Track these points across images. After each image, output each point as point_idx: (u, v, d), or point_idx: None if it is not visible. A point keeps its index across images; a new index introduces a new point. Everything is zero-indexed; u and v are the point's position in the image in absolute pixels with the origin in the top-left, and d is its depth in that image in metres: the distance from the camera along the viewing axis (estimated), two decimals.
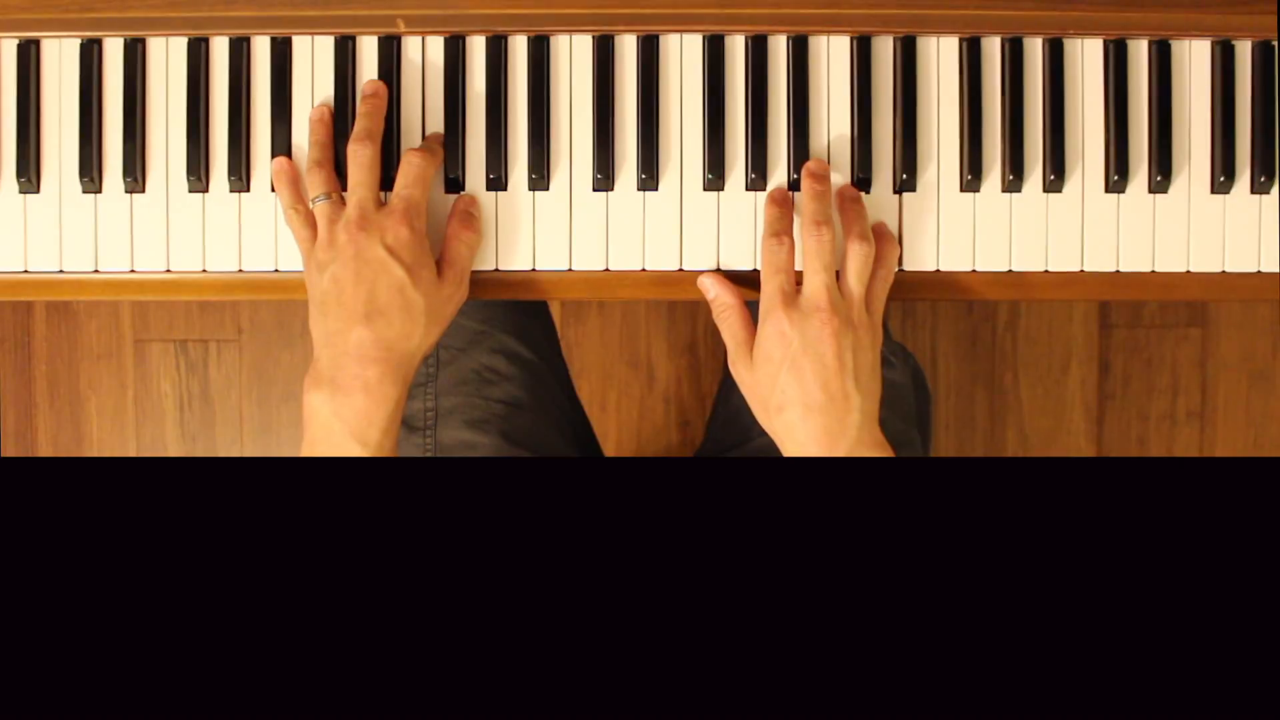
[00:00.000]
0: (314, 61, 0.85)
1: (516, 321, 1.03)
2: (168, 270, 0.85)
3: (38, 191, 0.85)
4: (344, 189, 0.83)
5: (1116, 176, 0.85)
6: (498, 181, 0.85)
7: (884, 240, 0.83)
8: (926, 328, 1.63)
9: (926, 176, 0.85)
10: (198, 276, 0.85)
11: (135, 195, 0.85)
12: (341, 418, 0.78)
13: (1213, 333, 1.63)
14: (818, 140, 0.85)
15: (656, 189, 0.85)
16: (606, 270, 0.85)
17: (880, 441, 0.81)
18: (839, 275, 0.81)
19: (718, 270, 0.85)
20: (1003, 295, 0.86)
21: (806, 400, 0.79)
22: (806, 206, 0.82)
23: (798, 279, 0.81)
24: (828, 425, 0.79)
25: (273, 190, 0.84)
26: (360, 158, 0.81)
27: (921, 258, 0.85)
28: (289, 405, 1.61)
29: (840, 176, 0.85)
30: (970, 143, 0.85)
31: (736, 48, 0.85)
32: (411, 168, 0.81)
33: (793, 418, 0.79)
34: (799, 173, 0.84)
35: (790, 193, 0.85)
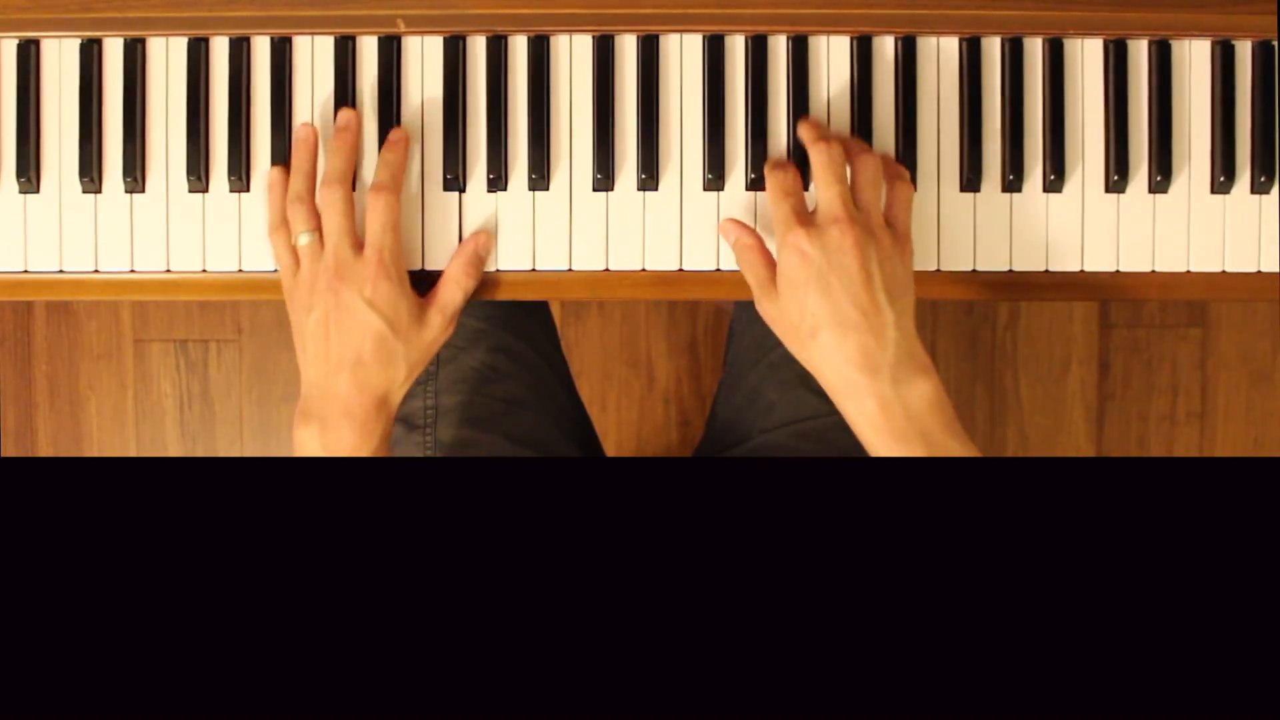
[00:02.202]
0: (314, 61, 0.85)
1: (517, 320, 1.03)
2: (168, 270, 0.85)
3: (38, 191, 0.85)
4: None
5: (1116, 176, 0.85)
6: (498, 181, 0.85)
7: (892, 162, 0.84)
8: (926, 328, 1.63)
9: (926, 176, 0.85)
10: (198, 276, 0.85)
11: (135, 195, 0.85)
12: (331, 452, 0.80)
13: (1213, 333, 1.63)
14: None
15: (656, 189, 0.85)
16: (606, 270, 0.85)
17: (924, 365, 0.77)
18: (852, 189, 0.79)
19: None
20: (1003, 295, 0.86)
21: (839, 318, 0.76)
22: (806, 133, 0.82)
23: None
24: (864, 343, 0.76)
25: None
26: (333, 203, 0.80)
27: (921, 258, 0.85)
28: (289, 405, 1.61)
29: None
30: (970, 143, 0.85)
31: (736, 48, 0.85)
32: (379, 214, 0.80)
33: (828, 340, 0.76)
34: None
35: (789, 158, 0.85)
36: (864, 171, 0.80)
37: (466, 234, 0.85)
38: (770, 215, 0.81)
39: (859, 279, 0.76)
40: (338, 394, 0.80)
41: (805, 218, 0.78)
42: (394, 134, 0.84)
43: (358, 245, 0.81)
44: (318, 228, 0.81)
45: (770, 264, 0.81)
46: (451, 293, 0.83)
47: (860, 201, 0.79)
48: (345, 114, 0.84)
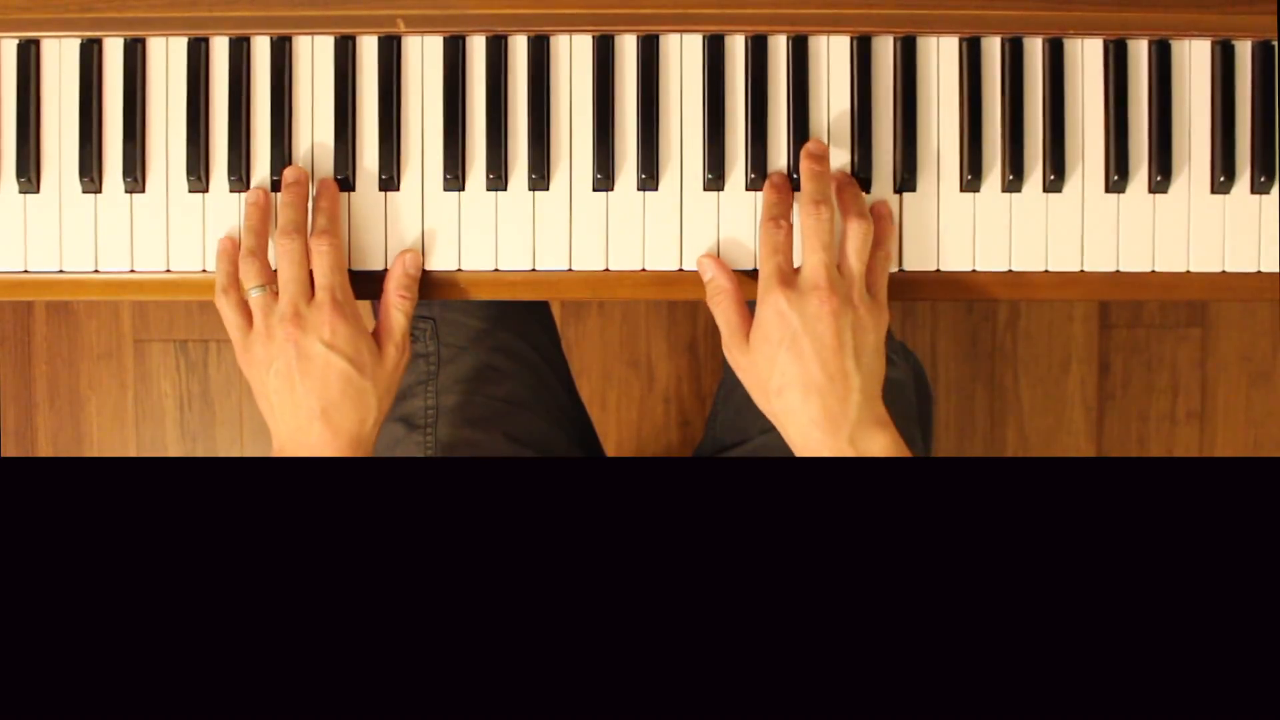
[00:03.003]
0: (314, 61, 0.85)
1: (517, 320, 1.03)
2: (168, 270, 0.85)
3: (38, 191, 0.85)
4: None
5: (1116, 176, 0.85)
6: (498, 181, 0.85)
7: (883, 221, 0.84)
8: (926, 328, 1.63)
9: (926, 176, 0.85)
10: (198, 276, 0.85)
11: (135, 195, 0.85)
12: None
13: (1213, 333, 1.63)
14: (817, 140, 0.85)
15: (656, 189, 0.85)
16: (606, 270, 0.85)
17: (883, 419, 0.80)
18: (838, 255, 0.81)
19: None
20: (1003, 295, 0.86)
21: (806, 380, 0.78)
22: (805, 186, 0.82)
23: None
24: (828, 406, 0.78)
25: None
26: (291, 253, 0.81)
27: (921, 258, 0.85)
28: None
29: (842, 152, 0.85)
30: (970, 143, 0.85)
31: (736, 48, 0.85)
32: (323, 258, 0.81)
33: (793, 399, 0.79)
34: (800, 173, 0.84)
35: (789, 179, 0.85)
36: (854, 239, 0.81)
37: (465, 233, 0.85)
38: (800, 185, 0.83)
39: (831, 346, 0.78)
40: (313, 445, 0.80)
41: (789, 278, 0.80)
42: (323, 183, 0.84)
43: (311, 294, 0.81)
44: (269, 281, 0.81)
45: (743, 311, 0.82)
46: (394, 319, 0.83)
47: (844, 269, 0.80)
48: (293, 171, 0.84)
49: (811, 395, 0.78)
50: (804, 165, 0.83)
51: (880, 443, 0.79)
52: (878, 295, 0.82)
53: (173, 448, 1.62)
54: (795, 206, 0.84)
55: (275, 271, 0.82)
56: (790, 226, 0.82)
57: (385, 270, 0.84)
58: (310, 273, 0.82)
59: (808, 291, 0.79)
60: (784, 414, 0.80)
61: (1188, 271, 0.86)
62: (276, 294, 0.81)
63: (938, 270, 0.86)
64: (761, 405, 0.82)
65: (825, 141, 0.85)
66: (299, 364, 0.80)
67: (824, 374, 0.78)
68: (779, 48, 0.85)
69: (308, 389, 0.80)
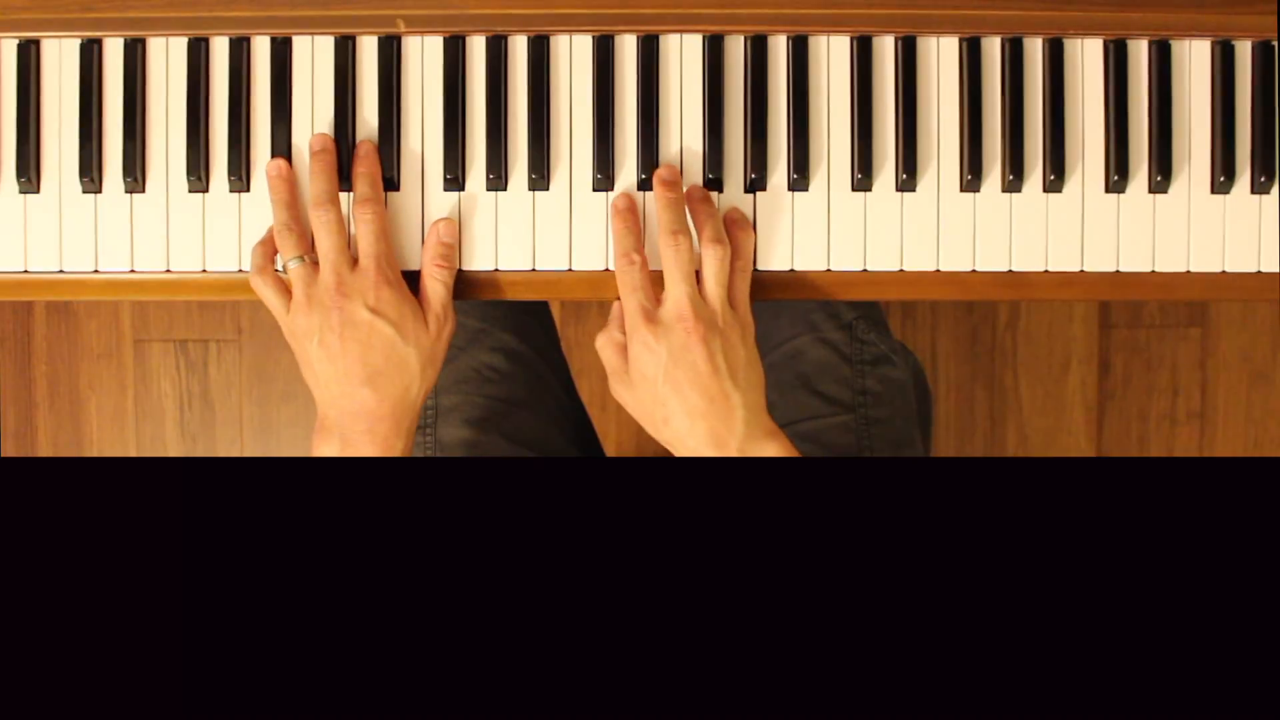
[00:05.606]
0: (314, 61, 0.85)
1: (517, 320, 1.03)
2: (168, 270, 0.85)
3: (38, 191, 0.85)
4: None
5: (1116, 176, 0.85)
6: (498, 181, 0.85)
7: (738, 231, 0.83)
8: (926, 328, 1.63)
9: (927, 176, 0.85)
10: (198, 276, 0.85)
11: (135, 195, 0.85)
12: None
13: (1213, 333, 1.63)
14: (817, 140, 0.85)
15: None
16: (606, 270, 0.85)
17: (771, 430, 0.81)
18: (698, 278, 0.81)
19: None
20: (1003, 295, 0.86)
21: (688, 408, 0.79)
22: (662, 216, 0.82)
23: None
24: (713, 428, 0.79)
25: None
26: (328, 223, 0.81)
27: (921, 258, 0.85)
28: (289, 405, 1.61)
29: (842, 151, 0.85)
30: (970, 143, 0.85)
31: (736, 48, 0.85)
32: (367, 226, 0.81)
33: (680, 427, 0.80)
34: (798, 173, 0.84)
35: (634, 199, 0.84)
36: (710, 265, 0.81)
37: (465, 234, 0.85)
38: (656, 216, 0.83)
39: (706, 371, 0.79)
40: (357, 412, 0.80)
41: (651, 314, 0.80)
42: (361, 148, 0.84)
43: (353, 261, 0.81)
44: (308, 252, 0.81)
45: (621, 352, 0.83)
46: (432, 289, 0.83)
47: (705, 294, 0.81)
48: (319, 138, 0.84)
49: (697, 420, 0.79)
50: (658, 194, 0.83)
51: (769, 452, 0.80)
52: (739, 308, 0.82)
53: (173, 448, 1.62)
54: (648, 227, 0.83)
55: (312, 243, 0.82)
56: (643, 259, 0.82)
57: None
58: (350, 241, 0.82)
59: (673, 324, 0.79)
60: (675, 440, 0.81)
61: (1188, 271, 0.86)
62: (316, 265, 0.81)
63: (938, 270, 0.86)
64: (653, 434, 0.83)
65: (825, 152, 0.85)
66: (342, 330, 0.79)
67: (704, 399, 0.79)
68: (779, 48, 0.85)
69: (352, 355, 0.79)
